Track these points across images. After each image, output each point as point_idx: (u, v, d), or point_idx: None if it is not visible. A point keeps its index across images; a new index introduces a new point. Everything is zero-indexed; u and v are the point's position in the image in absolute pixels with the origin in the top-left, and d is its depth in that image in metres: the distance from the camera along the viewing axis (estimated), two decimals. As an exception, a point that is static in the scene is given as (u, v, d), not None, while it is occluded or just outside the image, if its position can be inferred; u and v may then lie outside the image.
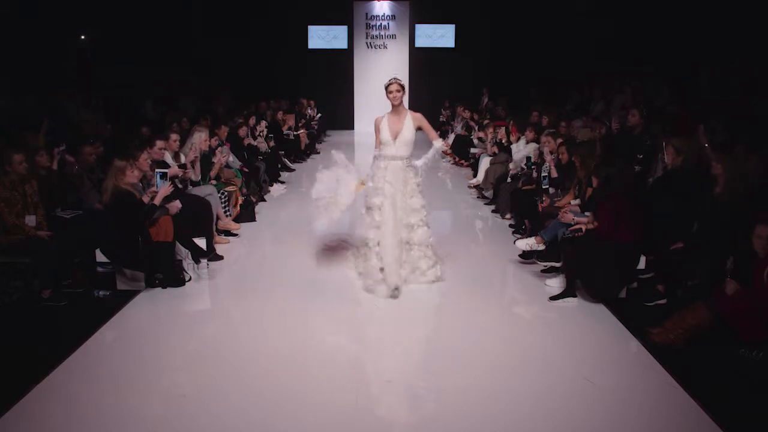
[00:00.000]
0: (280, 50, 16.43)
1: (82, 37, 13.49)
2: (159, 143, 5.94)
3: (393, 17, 17.64)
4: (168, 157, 6.19)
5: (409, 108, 5.35)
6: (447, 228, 7.99)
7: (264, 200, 8.61)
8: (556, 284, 5.17)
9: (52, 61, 11.55)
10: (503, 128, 9.14)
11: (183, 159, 6.46)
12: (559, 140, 6.58)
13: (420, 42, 17.58)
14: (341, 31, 17.53)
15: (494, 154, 8.99)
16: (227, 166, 7.50)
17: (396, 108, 5.20)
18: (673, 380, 3.65)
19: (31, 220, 4.88)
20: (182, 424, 3.25)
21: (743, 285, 3.98)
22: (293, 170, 11.23)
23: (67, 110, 9.25)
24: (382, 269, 5.05)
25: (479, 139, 10.68)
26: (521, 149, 7.97)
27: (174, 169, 5.91)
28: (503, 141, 8.92)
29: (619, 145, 6.72)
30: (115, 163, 5.05)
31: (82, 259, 5.13)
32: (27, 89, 9.46)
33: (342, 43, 17.58)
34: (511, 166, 8.03)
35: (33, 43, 11.08)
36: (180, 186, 5.98)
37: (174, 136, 6.42)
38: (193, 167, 6.54)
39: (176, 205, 5.30)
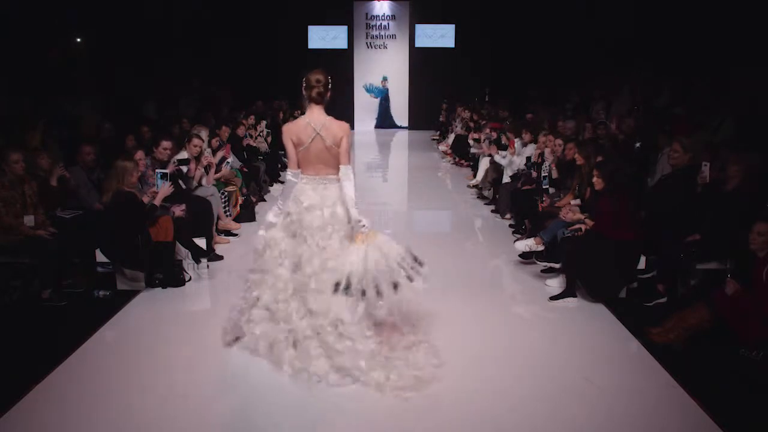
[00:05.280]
0: (280, 50, 16.42)
1: (78, 39, 13.51)
2: (164, 143, 5.93)
3: (393, 17, 17.65)
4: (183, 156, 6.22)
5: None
6: (447, 228, 8.00)
7: (264, 200, 8.60)
8: (556, 284, 5.17)
9: (48, 61, 11.56)
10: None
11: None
12: (559, 140, 6.57)
13: (420, 42, 17.57)
14: (341, 31, 17.52)
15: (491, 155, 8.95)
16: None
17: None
18: (673, 380, 3.65)
19: (29, 220, 4.88)
20: (181, 424, 3.25)
21: (743, 285, 3.98)
22: (293, 170, 11.20)
23: (65, 109, 9.26)
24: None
25: (474, 140, 10.68)
26: (523, 151, 7.92)
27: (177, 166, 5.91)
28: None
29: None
30: (120, 164, 5.03)
31: (82, 259, 5.13)
32: (24, 89, 9.47)
33: (342, 43, 17.57)
34: (508, 171, 7.96)
35: (31, 42, 11.08)
36: (184, 187, 5.97)
37: (197, 141, 6.40)
38: (207, 172, 6.54)
39: (181, 208, 5.33)
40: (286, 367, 3.69)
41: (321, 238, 3.69)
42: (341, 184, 3.72)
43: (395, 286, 3.55)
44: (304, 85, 3.72)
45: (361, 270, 3.52)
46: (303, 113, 3.85)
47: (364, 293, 3.52)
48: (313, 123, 3.71)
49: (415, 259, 3.67)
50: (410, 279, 3.58)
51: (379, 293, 3.52)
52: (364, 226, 3.63)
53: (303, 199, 3.73)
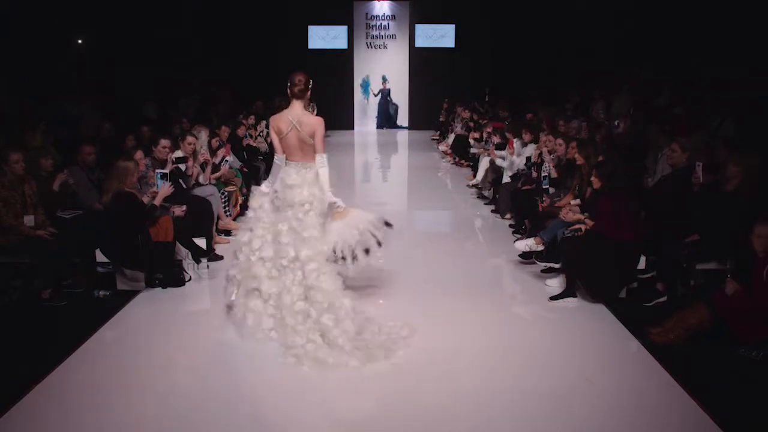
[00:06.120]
0: (280, 50, 16.42)
1: (79, 41, 13.51)
2: (163, 142, 5.93)
3: (393, 17, 17.64)
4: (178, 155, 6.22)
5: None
6: (447, 228, 8.00)
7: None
8: (556, 284, 5.17)
9: (50, 62, 11.55)
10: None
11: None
12: (560, 140, 6.57)
13: (420, 42, 17.56)
14: (341, 31, 17.51)
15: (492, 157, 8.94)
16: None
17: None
18: (673, 380, 3.64)
19: (29, 220, 4.88)
20: (182, 424, 3.25)
21: (743, 285, 3.98)
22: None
23: (65, 109, 9.26)
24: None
25: (475, 139, 10.68)
26: (523, 151, 7.90)
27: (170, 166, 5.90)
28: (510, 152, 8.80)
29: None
30: (121, 165, 5.02)
31: (82, 259, 5.12)
32: (25, 89, 9.47)
33: (342, 43, 17.56)
34: (508, 171, 7.96)
35: (31, 43, 11.08)
36: (184, 186, 5.98)
37: (191, 139, 6.39)
38: (203, 170, 6.53)
39: (182, 209, 5.33)
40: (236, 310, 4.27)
41: (300, 212, 4.15)
42: (317, 170, 4.23)
43: (366, 251, 4.16)
44: (288, 83, 4.25)
45: (339, 241, 4.12)
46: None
47: (344, 259, 4.13)
48: (291, 116, 4.22)
49: (387, 224, 4.27)
50: (379, 244, 4.20)
51: (354, 258, 4.13)
52: (338, 205, 4.18)
53: (287, 179, 4.24)
